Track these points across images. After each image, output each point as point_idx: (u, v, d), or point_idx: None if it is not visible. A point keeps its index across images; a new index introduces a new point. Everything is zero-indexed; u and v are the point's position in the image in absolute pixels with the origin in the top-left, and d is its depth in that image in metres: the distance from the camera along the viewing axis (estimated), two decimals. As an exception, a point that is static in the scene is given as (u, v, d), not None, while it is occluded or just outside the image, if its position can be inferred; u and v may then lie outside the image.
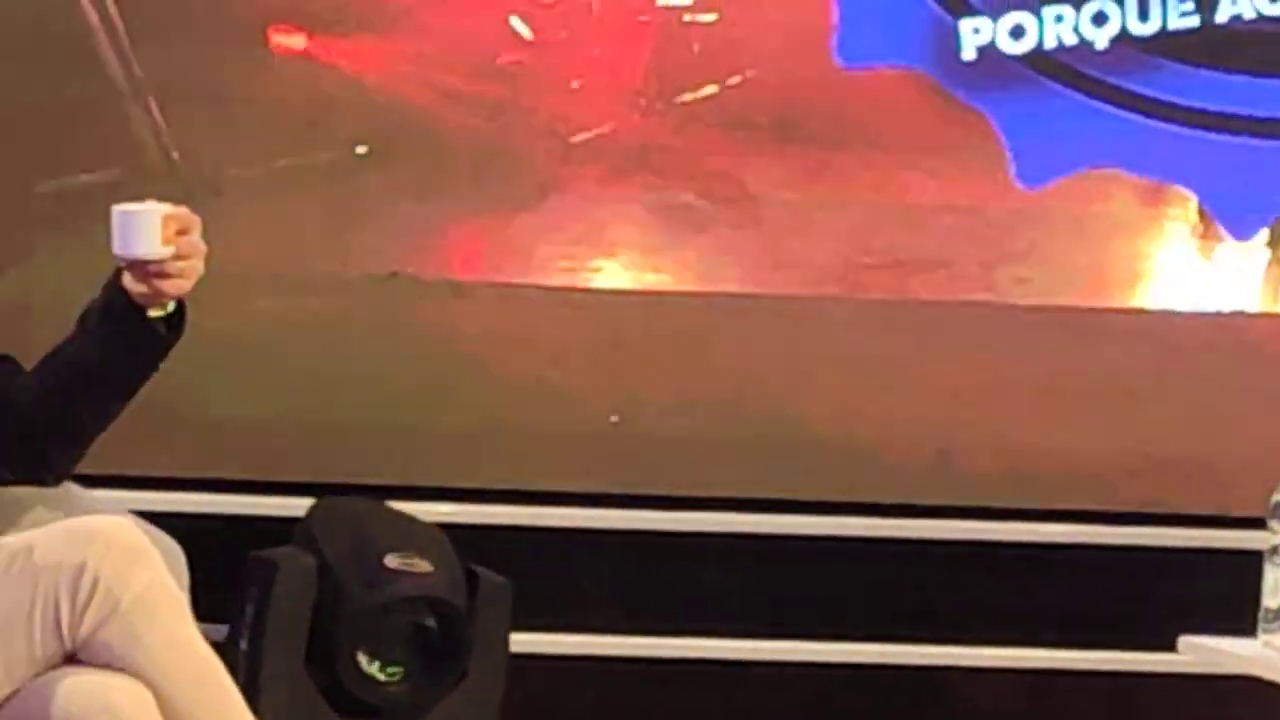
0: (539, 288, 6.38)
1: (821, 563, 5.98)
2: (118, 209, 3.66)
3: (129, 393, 3.85)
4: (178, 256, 3.52)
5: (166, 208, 3.66)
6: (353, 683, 5.14)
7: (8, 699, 3.40)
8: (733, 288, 6.52)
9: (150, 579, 3.42)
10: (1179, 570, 6.21)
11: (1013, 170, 6.35)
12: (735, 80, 6.51)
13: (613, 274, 6.62)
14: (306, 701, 5.21)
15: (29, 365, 3.84)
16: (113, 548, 3.41)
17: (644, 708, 5.82)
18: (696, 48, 6.63)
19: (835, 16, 6.36)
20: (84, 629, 3.32)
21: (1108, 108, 6.65)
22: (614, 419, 6.17)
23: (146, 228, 3.68)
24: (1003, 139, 6.44)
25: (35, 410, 3.86)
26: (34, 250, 6.25)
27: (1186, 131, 6.56)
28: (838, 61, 6.43)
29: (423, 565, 5.24)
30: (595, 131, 6.42)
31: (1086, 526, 6.28)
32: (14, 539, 3.68)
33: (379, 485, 5.97)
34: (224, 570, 5.32)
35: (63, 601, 3.35)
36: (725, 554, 6.06)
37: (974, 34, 6.45)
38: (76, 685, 3.34)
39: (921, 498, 6.16)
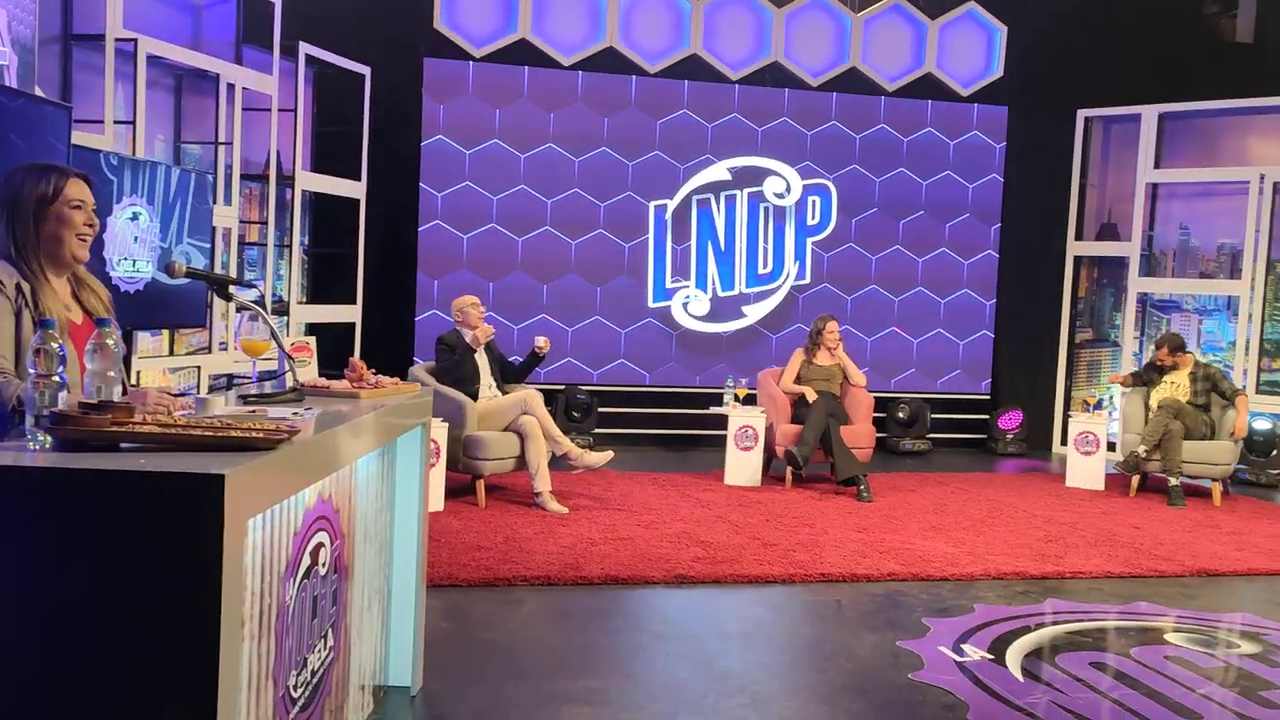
0: None
1: None
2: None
3: (528, 373, 6.07)
4: (542, 349, 5.68)
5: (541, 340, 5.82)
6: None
7: (508, 426, 5.49)
8: None
9: (538, 396, 5.51)
10: None
11: None
12: None
13: None
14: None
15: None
16: (530, 393, 5.64)
17: None
18: None
19: None
20: (524, 408, 5.49)
21: None
22: None
23: (538, 343, 5.84)
24: None
25: (512, 373, 6.07)
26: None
27: None
28: None
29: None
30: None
31: None
32: (508, 397, 5.74)
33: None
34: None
35: (523, 405, 5.48)
36: None
37: None
38: (525, 420, 5.60)
39: None
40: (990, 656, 3.69)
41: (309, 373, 2.69)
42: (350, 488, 2.68)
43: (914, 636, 3.89)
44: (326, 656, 2.57)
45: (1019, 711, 3.21)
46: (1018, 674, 3.53)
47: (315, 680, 2.49)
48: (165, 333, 5.96)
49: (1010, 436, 8.66)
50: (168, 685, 1.69)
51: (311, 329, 7.31)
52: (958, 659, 3.65)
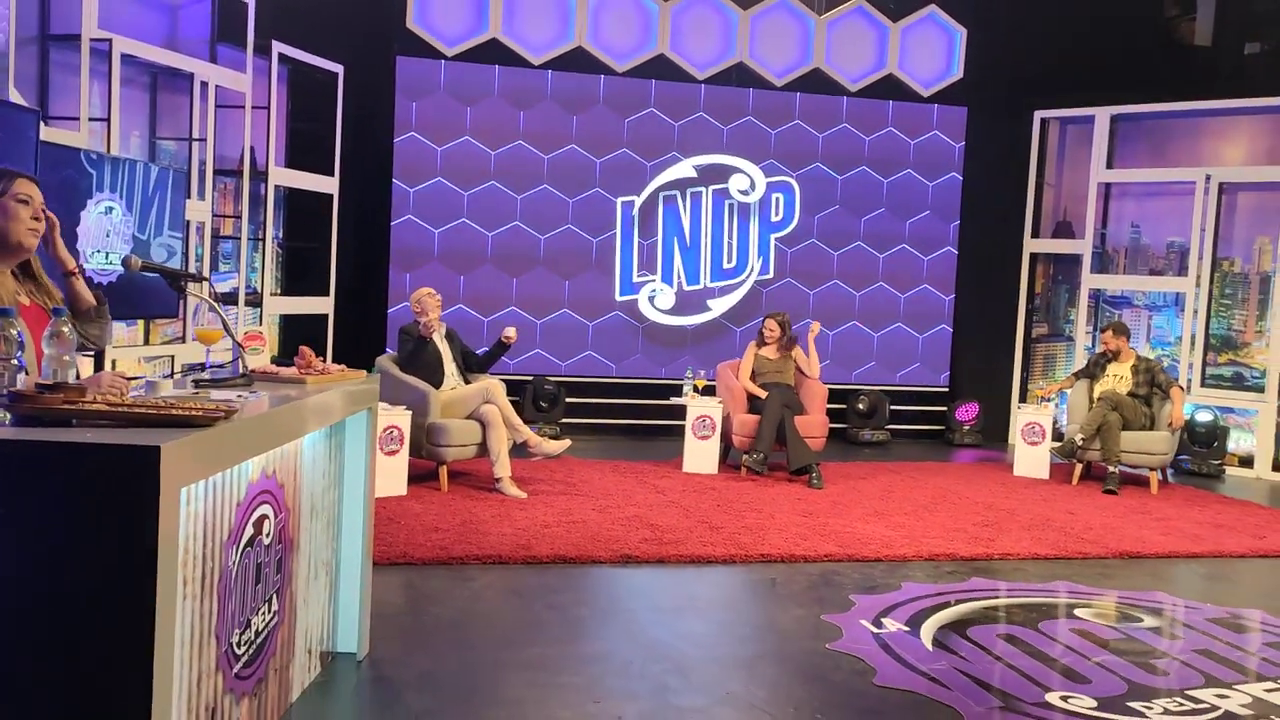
0: None
1: None
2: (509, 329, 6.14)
3: (493, 363, 6.33)
4: (510, 338, 6.01)
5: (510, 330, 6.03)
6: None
7: (470, 414, 5.71)
8: None
9: (499, 386, 5.74)
10: None
11: None
12: None
13: None
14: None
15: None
16: (493, 382, 5.80)
17: None
18: None
19: None
20: (486, 397, 5.70)
21: None
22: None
23: (506, 333, 6.18)
24: None
25: (476, 362, 6.28)
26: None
27: None
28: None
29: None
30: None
31: None
32: (471, 386, 5.97)
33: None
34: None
35: (485, 394, 5.73)
36: None
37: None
38: (487, 408, 5.83)
39: None
40: (907, 629, 3.94)
41: (261, 360, 2.90)
42: (296, 465, 2.91)
43: (839, 611, 4.13)
44: (271, 620, 2.80)
45: (922, 676, 3.46)
46: (928, 644, 3.78)
47: (259, 640, 2.72)
48: (140, 323, 6.16)
49: (967, 428, 8.91)
50: (108, 635, 1.91)
51: (285, 320, 7.53)
52: (875, 631, 3.89)
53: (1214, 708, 3.29)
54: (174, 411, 2.14)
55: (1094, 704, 3.28)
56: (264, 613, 2.74)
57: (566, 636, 3.76)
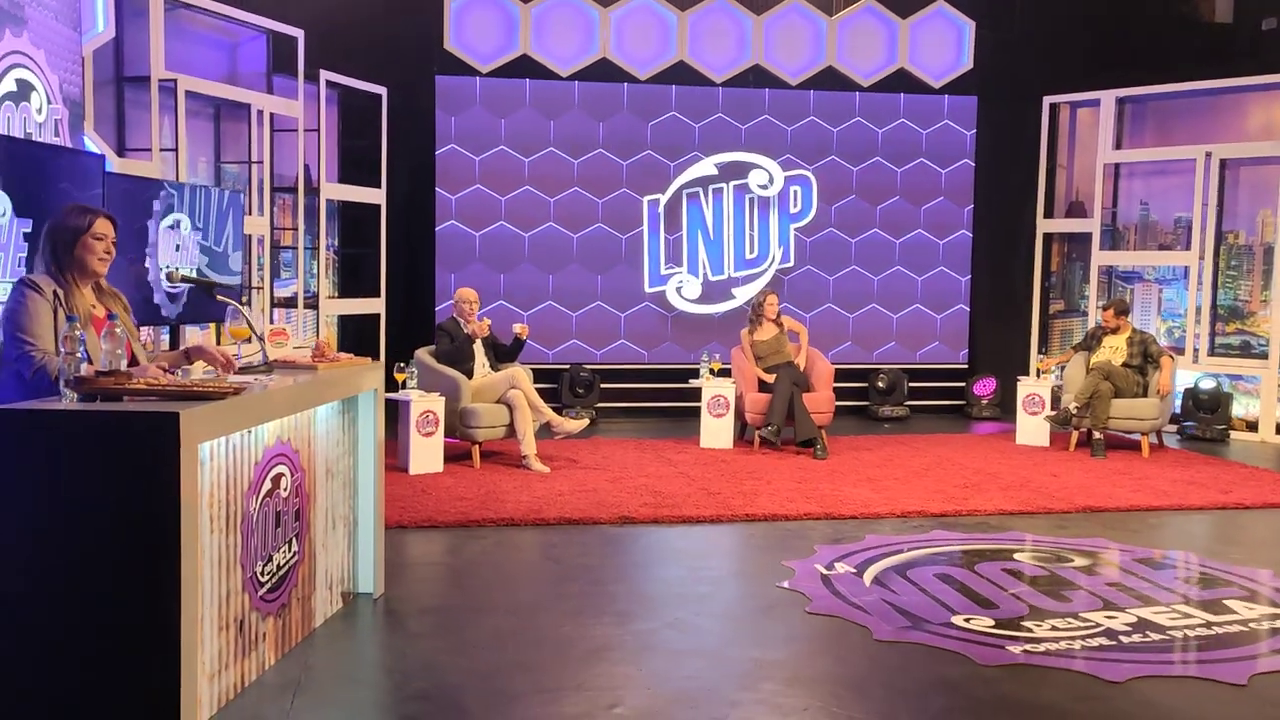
0: None
1: None
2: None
3: (517, 354, 7.07)
4: (521, 333, 6.63)
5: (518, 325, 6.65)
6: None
7: (499, 399, 6.52)
8: None
9: (524, 374, 6.40)
10: None
11: None
12: None
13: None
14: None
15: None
16: (519, 370, 6.56)
17: None
18: None
19: None
20: (512, 383, 6.40)
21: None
22: None
23: (515, 329, 6.94)
24: None
25: (505, 353, 7.06)
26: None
27: None
28: None
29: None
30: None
31: None
32: (499, 373, 6.69)
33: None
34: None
35: (511, 380, 6.46)
36: None
37: None
38: (513, 393, 6.57)
39: None
40: (854, 571, 4.47)
41: (284, 352, 3.55)
42: (309, 435, 3.59)
43: (799, 557, 4.68)
44: (291, 557, 3.49)
45: (850, 605, 4.00)
46: (867, 582, 4.31)
47: (281, 572, 3.41)
48: (212, 326, 6.95)
49: (985, 402, 9.29)
50: (149, 551, 2.60)
51: (341, 320, 8.30)
52: (825, 572, 4.44)
53: (1098, 625, 3.77)
54: (195, 389, 2.83)
55: (991, 623, 3.79)
56: (285, 551, 3.43)
57: (553, 581, 4.39)
